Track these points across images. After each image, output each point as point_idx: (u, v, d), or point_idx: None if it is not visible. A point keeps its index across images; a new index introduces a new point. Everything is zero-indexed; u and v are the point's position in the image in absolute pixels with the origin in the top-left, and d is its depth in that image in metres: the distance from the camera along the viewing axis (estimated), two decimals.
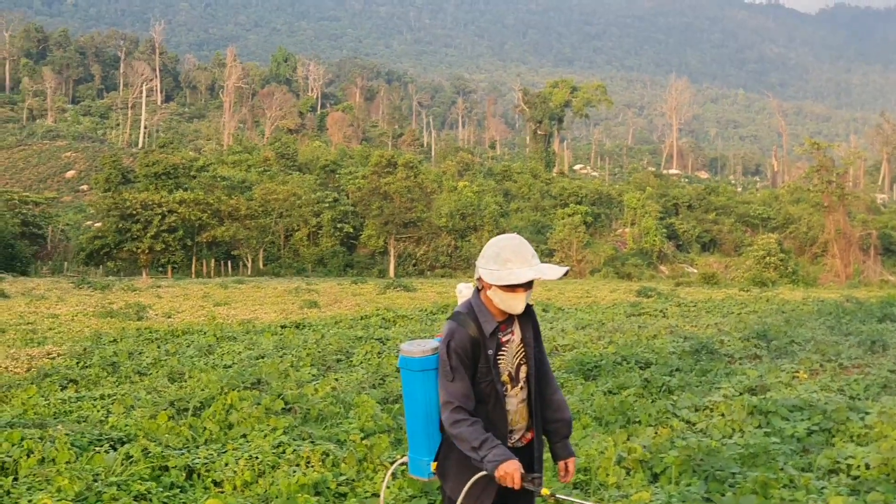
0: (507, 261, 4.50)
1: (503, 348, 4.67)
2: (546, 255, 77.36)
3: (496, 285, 4.54)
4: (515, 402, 4.72)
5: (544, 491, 4.41)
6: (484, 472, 4.47)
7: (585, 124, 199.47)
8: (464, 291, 6.23)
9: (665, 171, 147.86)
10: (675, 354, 16.08)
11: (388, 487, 7.78)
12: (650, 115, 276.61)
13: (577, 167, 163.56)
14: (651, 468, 8.28)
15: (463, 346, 4.53)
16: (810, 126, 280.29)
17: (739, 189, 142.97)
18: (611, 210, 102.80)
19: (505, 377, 4.66)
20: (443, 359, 4.56)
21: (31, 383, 14.26)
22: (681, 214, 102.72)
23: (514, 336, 4.73)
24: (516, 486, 4.35)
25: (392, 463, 8.23)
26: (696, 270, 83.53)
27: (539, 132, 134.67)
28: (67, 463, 8.41)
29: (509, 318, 4.72)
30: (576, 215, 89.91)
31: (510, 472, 4.34)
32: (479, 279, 4.64)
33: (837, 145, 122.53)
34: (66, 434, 9.13)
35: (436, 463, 4.73)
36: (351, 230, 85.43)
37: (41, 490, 7.53)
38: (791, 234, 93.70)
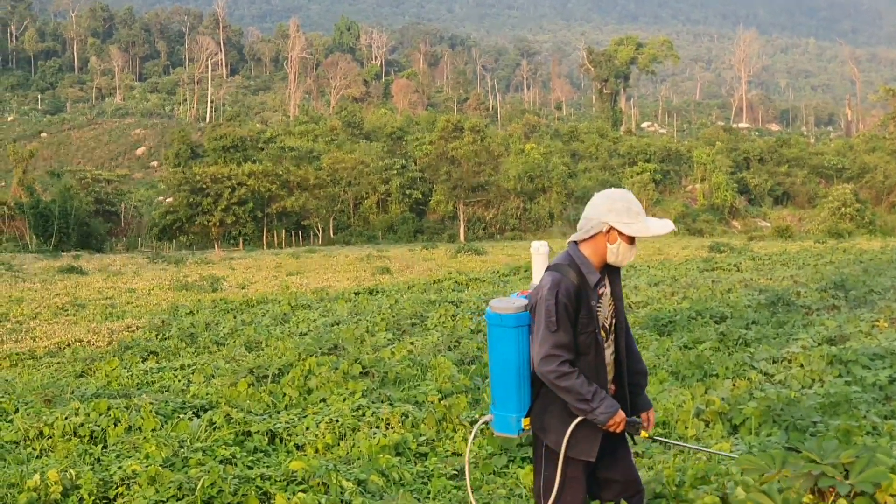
0: (638, 214, 4.61)
1: (600, 301, 4.72)
2: None
3: (631, 237, 4.63)
4: (609, 353, 4.78)
5: (643, 433, 4.61)
6: (580, 419, 4.58)
7: (652, 81, 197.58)
8: (540, 249, 6.15)
9: (735, 125, 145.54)
10: (751, 307, 15.91)
11: (469, 450, 7.85)
12: (718, 68, 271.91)
13: (644, 125, 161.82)
14: (730, 420, 8.25)
15: (569, 296, 4.56)
16: (885, 72, 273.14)
17: (812, 140, 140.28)
18: (680, 167, 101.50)
19: (601, 329, 4.71)
20: (549, 309, 4.55)
21: (113, 356, 14.57)
22: (752, 168, 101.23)
23: (607, 290, 4.79)
24: (619, 431, 4.58)
25: (473, 423, 8.28)
26: (769, 224, 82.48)
27: (605, 91, 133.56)
28: (153, 430, 8.61)
29: (602, 272, 4.75)
30: (644, 173, 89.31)
31: (618, 421, 4.54)
32: (611, 229, 4.62)
33: None
34: (151, 403, 9.33)
35: (527, 419, 4.75)
36: (420, 196, 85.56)
37: (129, 457, 7.71)
38: (867, 183, 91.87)
